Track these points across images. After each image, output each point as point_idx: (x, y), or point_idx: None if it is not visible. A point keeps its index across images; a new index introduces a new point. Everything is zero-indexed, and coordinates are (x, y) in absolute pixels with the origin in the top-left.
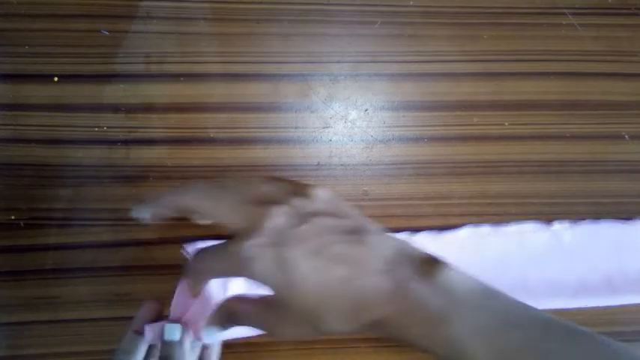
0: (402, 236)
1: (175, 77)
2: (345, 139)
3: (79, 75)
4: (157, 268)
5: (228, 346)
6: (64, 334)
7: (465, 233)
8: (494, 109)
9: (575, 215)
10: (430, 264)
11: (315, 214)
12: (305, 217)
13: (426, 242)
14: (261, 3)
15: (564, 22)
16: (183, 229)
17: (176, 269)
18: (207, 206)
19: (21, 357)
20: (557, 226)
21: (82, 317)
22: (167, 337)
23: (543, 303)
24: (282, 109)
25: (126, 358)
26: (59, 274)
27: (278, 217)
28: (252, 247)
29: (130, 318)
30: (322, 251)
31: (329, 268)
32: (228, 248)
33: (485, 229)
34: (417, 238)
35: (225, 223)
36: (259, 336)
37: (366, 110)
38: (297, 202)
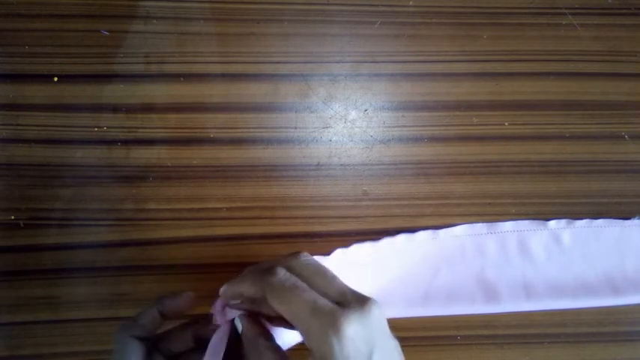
0: (401, 237)
1: (175, 77)
2: (344, 139)
3: (79, 75)
4: (157, 268)
5: None
6: (64, 334)
7: (461, 231)
8: (494, 109)
9: (575, 215)
10: None
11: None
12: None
13: (425, 242)
14: (261, 3)
15: (564, 22)
16: (183, 229)
17: (175, 269)
18: (316, 273)
19: (21, 357)
20: (554, 224)
21: (82, 317)
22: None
23: (544, 303)
24: (282, 109)
25: (138, 331)
26: (59, 274)
27: (380, 309)
28: (355, 330)
29: (130, 318)
30: None
31: None
32: (327, 311)
33: (482, 227)
34: (416, 237)
35: (327, 294)
36: None
37: (366, 110)
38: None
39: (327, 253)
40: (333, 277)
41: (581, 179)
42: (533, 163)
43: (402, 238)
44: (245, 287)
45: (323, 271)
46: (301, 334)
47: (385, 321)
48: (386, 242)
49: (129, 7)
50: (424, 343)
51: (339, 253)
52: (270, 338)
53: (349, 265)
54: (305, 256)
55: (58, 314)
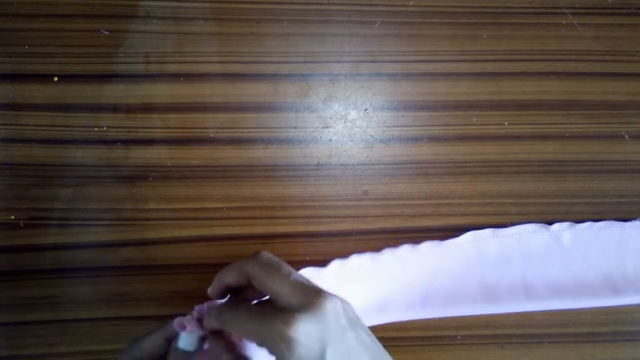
0: (405, 249)
1: (175, 77)
2: (344, 139)
3: (79, 75)
4: (156, 268)
5: None
6: (64, 334)
7: (465, 238)
8: (494, 109)
9: (575, 215)
10: None
11: (357, 326)
12: (353, 321)
13: (429, 251)
14: (261, 3)
15: (564, 22)
16: (182, 229)
17: (175, 269)
18: (268, 275)
19: (21, 357)
20: (557, 227)
21: (82, 317)
22: (181, 345)
23: (544, 304)
24: (282, 109)
25: (142, 355)
26: (59, 274)
27: (336, 303)
28: (303, 330)
29: (130, 318)
30: None
31: None
32: (274, 319)
33: (486, 232)
34: (420, 248)
35: (279, 295)
36: None
37: (366, 110)
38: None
39: (324, 263)
40: (288, 275)
41: (581, 179)
42: (533, 163)
43: (404, 249)
44: (228, 278)
45: (277, 270)
46: (258, 345)
47: (343, 313)
48: (387, 253)
49: (129, 7)
50: (424, 343)
51: (336, 263)
52: (233, 350)
53: (347, 276)
54: (262, 256)
55: (58, 314)
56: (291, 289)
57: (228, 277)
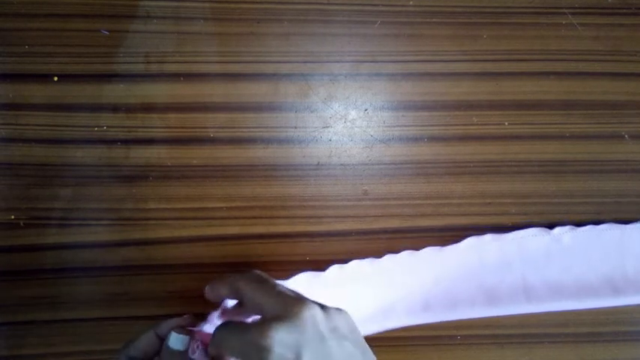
0: (405, 254)
1: (175, 77)
2: (344, 138)
3: (79, 75)
4: (156, 267)
5: None
6: (64, 334)
7: (466, 243)
8: (494, 109)
9: (576, 215)
10: None
11: (342, 337)
12: (334, 331)
13: (429, 256)
14: (261, 3)
15: (564, 22)
16: (183, 229)
17: (175, 269)
18: (254, 291)
19: (21, 357)
20: (558, 231)
21: (82, 317)
22: (171, 344)
23: (545, 306)
24: (282, 108)
25: (137, 354)
26: (59, 274)
27: (314, 311)
28: (277, 339)
29: (130, 318)
30: None
31: None
32: (251, 330)
33: (487, 238)
34: (420, 254)
35: (264, 309)
36: None
37: (366, 110)
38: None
39: (324, 264)
40: (272, 287)
41: (581, 179)
42: (533, 163)
43: (404, 255)
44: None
45: (264, 284)
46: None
47: (324, 321)
48: (387, 259)
49: (129, 7)
50: (424, 343)
51: (335, 268)
52: None
53: (347, 281)
54: (252, 273)
55: (58, 314)
56: (274, 300)
57: (222, 290)
